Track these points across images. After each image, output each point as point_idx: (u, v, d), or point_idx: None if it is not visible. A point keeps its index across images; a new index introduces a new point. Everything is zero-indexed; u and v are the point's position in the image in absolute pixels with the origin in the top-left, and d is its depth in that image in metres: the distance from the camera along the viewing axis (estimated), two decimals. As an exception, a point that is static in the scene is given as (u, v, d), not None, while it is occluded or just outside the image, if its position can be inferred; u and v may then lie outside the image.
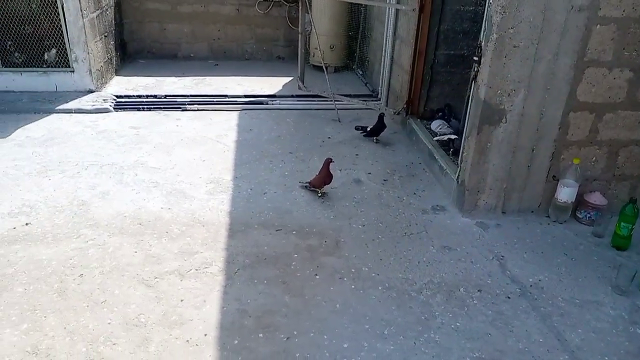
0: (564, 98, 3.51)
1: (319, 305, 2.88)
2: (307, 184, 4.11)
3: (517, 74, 3.38)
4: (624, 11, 3.28)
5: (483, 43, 3.40)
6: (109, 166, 4.38)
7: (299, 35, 5.81)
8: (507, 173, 3.74)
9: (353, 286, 3.05)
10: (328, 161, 4.00)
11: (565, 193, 3.72)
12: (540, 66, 3.37)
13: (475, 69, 3.50)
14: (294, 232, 3.56)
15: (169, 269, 3.11)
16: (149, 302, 2.83)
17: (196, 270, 3.12)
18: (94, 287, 2.92)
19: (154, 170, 4.35)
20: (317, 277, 3.12)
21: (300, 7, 5.62)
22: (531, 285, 3.14)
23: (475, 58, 3.48)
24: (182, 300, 2.86)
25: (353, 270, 3.19)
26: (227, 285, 3.00)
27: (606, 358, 2.63)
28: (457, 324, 2.80)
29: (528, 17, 3.20)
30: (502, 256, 3.42)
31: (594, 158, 3.78)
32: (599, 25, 3.29)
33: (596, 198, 3.79)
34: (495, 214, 3.87)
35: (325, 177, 4.00)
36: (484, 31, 3.40)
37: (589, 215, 3.81)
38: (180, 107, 5.85)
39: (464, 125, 3.92)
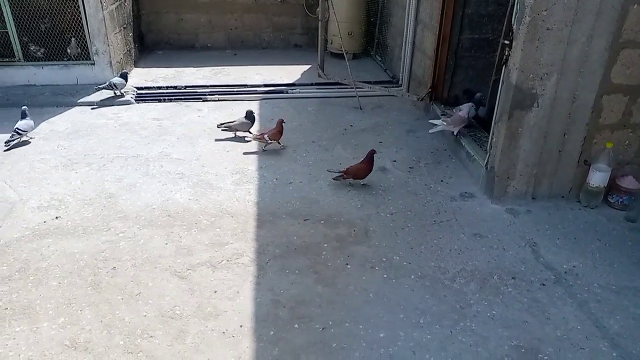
0: (598, 81, 3.42)
1: (352, 295, 2.87)
2: (342, 175, 3.96)
3: (550, 57, 3.29)
4: (661, -11, 3.17)
5: (515, 26, 3.31)
6: (134, 158, 4.39)
7: (319, 23, 5.74)
8: (538, 158, 3.67)
9: (385, 275, 3.03)
10: (372, 152, 3.96)
11: (598, 177, 3.64)
12: (573, 49, 3.28)
13: (507, 53, 3.41)
14: (322, 222, 3.54)
15: (201, 260, 3.12)
16: (183, 294, 2.84)
17: (227, 261, 3.12)
18: (127, 280, 2.94)
19: (179, 161, 4.36)
20: (349, 266, 3.10)
21: (320, -6, 5.55)
22: (566, 272, 3.09)
23: (507, 42, 3.39)
24: (215, 292, 2.86)
25: (384, 259, 3.17)
26: (259, 275, 3.00)
27: (647, 345, 2.59)
28: (493, 312, 2.77)
29: (562, -3, 3.11)
30: (535, 243, 3.36)
31: (627, 141, 3.69)
32: (636, 5, 3.19)
33: (629, 182, 3.71)
34: (526, 199, 3.81)
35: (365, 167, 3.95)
36: (515, 14, 3.31)
37: (621, 199, 3.73)
38: (200, 98, 5.84)
39: (492, 111, 3.85)
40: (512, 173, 3.72)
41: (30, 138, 4.71)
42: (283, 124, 4.52)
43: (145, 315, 2.69)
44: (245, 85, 6.25)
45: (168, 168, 4.24)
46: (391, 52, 6.80)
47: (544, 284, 2.99)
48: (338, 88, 6.06)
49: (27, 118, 4.65)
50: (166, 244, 3.27)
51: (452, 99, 5.18)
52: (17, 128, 4.54)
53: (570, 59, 3.32)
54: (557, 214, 3.69)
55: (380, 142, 4.79)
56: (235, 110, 5.52)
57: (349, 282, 2.97)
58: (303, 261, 3.13)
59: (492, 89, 4.92)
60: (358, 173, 3.94)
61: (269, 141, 4.48)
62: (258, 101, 5.83)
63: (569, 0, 3.13)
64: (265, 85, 6.24)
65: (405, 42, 5.65)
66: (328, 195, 3.88)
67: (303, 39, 7.93)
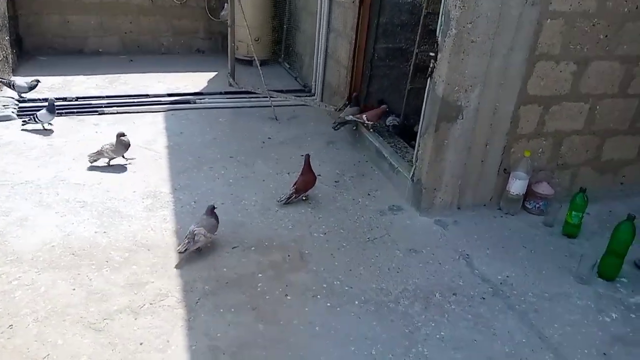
0: (516, 92, 3.53)
1: (297, 330, 2.65)
2: (293, 194, 3.73)
3: (474, 69, 3.32)
4: (570, 5, 3.33)
5: (440, 39, 3.30)
6: (22, 185, 3.77)
7: (229, 28, 5.41)
8: (463, 169, 3.71)
9: (328, 304, 2.84)
10: (308, 157, 3.83)
11: (517, 185, 3.77)
12: (495, 61, 3.34)
13: (432, 65, 3.39)
14: (253, 248, 3.27)
15: (119, 306, 2.70)
16: (103, 350, 2.43)
17: (151, 304, 2.74)
18: (30, 340, 2.45)
19: (79, 186, 3.82)
20: (288, 297, 2.87)
21: (229, -3, 5.23)
22: (501, 283, 3.13)
23: (432, 54, 3.37)
24: (141, 344, 2.48)
25: (324, 285, 2.98)
26: (191, 318, 2.66)
27: (585, 351, 2.67)
28: (442, 333, 2.70)
29: (486, 11, 3.14)
30: (467, 254, 3.38)
31: (541, 149, 3.86)
32: (549, 20, 3.32)
33: (544, 188, 3.88)
34: (451, 210, 3.84)
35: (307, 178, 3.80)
36: (440, 26, 3.30)
37: (537, 205, 3.89)
38: (96, 111, 5.24)
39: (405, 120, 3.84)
40: (439, 184, 3.73)
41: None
42: (387, 109, 4.64)
43: (56, 383, 2.25)
44: (147, 95, 5.72)
45: (66, 195, 3.69)
46: (301, 59, 6.64)
47: (483, 298, 2.99)
48: (250, 97, 5.77)
49: (50, 112, 4.69)
50: (74, 289, 2.80)
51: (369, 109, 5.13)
52: (35, 115, 4.69)
53: (492, 71, 3.38)
54: (483, 223, 3.76)
55: (302, 155, 4.58)
56: (138, 123, 5.02)
57: (292, 315, 2.74)
58: (238, 296, 2.84)
59: (407, 98, 4.97)
60: (307, 185, 3.80)
61: (367, 122, 4.55)
62: (163, 113, 5.36)
63: (492, 13, 3.18)
64: (170, 95, 5.77)
65: (318, 50, 5.52)
66: (255, 217, 3.61)
67: (206, 44, 7.51)
